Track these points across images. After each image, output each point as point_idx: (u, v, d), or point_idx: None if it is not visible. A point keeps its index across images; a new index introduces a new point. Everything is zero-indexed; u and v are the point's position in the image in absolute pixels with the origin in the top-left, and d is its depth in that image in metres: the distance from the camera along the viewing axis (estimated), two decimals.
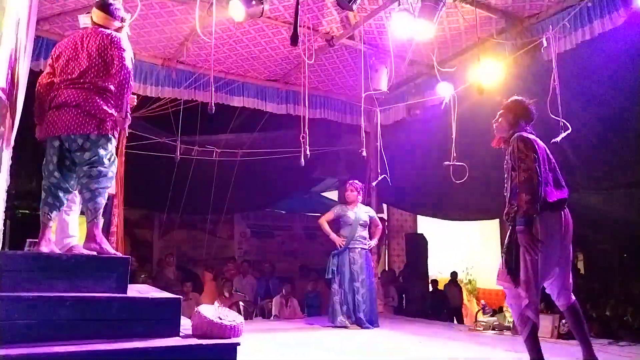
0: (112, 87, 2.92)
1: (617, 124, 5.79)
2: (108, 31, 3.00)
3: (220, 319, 2.66)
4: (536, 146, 3.13)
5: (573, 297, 3.22)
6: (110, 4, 3.07)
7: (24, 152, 4.36)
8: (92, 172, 2.86)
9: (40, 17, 5.07)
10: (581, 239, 7.70)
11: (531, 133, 3.28)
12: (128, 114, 3.00)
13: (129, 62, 2.95)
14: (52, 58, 3.08)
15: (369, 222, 5.91)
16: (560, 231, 3.12)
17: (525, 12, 5.15)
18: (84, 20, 3.36)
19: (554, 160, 3.29)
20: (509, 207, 3.19)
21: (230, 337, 2.63)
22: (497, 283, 3.24)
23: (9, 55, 2.87)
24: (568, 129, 4.33)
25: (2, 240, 3.76)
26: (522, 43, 5.12)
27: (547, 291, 3.28)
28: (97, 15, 3.05)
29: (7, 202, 3.72)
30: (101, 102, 2.89)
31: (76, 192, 3.08)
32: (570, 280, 3.24)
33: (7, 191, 3.65)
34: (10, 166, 3.70)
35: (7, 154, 3.44)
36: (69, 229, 3.38)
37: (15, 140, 3.66)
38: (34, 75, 4.57)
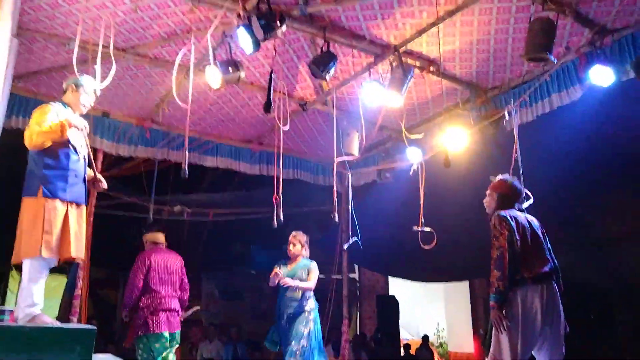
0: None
1: (574, 188, 6.07)
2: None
3: None
4: (512, 224, 3.28)
5: None
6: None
7: None
8: None
9: (16, 74, 5.07)
10: None
11: (520, 210, 3.49)
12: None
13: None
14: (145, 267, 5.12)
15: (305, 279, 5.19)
16: (540, 305, 3.18)
17: (488, 84, 5.43)
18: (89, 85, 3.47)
19: (541, 234, 3.44)
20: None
21: None
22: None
23: None
24: (530, 198, 4.46)
25: None
26: (486, 113, 5.38)
27: None
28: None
29: None
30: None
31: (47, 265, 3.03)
32: (561, 354, 3.25)
33: None
34: None
35: None
36: (33, 297, 3.22)
37: None
38: (6, 133, 4.52)
